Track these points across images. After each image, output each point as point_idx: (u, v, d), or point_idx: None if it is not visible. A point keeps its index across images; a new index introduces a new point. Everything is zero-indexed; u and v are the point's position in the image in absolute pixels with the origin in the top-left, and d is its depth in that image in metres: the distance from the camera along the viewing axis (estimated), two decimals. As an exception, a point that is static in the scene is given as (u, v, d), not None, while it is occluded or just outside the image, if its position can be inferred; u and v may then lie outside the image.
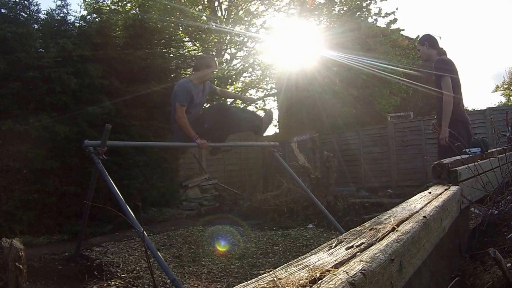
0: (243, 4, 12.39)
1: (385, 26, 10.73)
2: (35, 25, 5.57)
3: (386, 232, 1.22)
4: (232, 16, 12.22)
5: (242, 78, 12.65)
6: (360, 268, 0.86)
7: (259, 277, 0.82)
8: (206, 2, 12.37)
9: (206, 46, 11.20)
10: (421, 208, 1.67)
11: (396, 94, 10.44)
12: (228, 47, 12.80)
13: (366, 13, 10.93)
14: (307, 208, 5.88)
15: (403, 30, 10.96)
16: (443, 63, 3.80)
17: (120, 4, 10.40)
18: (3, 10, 5.22)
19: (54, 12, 5.72)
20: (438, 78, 3.80)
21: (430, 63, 4.12)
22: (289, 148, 7.57)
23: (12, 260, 2.48)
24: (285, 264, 0.92)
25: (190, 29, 11.03)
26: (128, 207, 2.95)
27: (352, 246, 1.05)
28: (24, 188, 4.84)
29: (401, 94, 10.53)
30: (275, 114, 13.10)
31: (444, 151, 3.51)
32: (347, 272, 0.83)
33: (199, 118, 4.22)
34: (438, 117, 3.90)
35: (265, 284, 0.76)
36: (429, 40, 3.88)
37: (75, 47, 5.41)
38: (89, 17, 6.45)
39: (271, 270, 0.84)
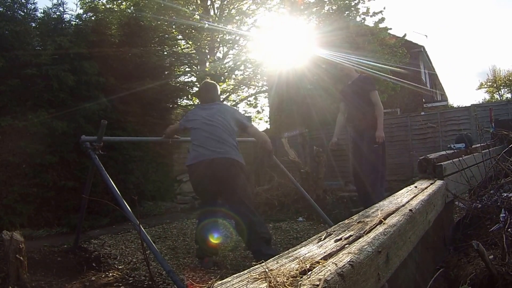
0: (235, 3, 12.48)
1: (373, 25, 10.90)
2: (32, 23, 5.60)
3: (374, 225, 1.26)
4: (224, 15, 12.29)
5: (234, 76, 12.79)
6: (348, 260, 0.90)
7: (251, 268, 0.86)
8: (199, 2, 12.41)
9: (199, 44, 11.28)
10: (407, 202, 1.72)
11: (384, 91, 10.61)
12: (220, 45, 12.86)
13: (355, 12, 11.05)
14: (297, 201, 5.95)
15: (390, 29, 11.13)
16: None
17: (115, 3, 10.44)
18: (1, 9, 5.25)
19: (50, 10, 5.77)
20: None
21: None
22: (280, 144, 7.70)
23: (13, 252, 2.53)
24: (276, 256, 0.96)
25: (183, 27, 11.06)
26: (124, 201, 2.96)
27: (340, 239, 1.09)
28: (23, 182, 4.87)
29: (388, 92, 10.71)
30: (266, 111, 13.25)
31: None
32: (336, 264, 0.87)
33: None
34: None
35: (257, 275, 0.79)
36: None
37: (72, 44, 5.47)
38: (85, 15, 6.51)
39: (263, 262, 0.88)
